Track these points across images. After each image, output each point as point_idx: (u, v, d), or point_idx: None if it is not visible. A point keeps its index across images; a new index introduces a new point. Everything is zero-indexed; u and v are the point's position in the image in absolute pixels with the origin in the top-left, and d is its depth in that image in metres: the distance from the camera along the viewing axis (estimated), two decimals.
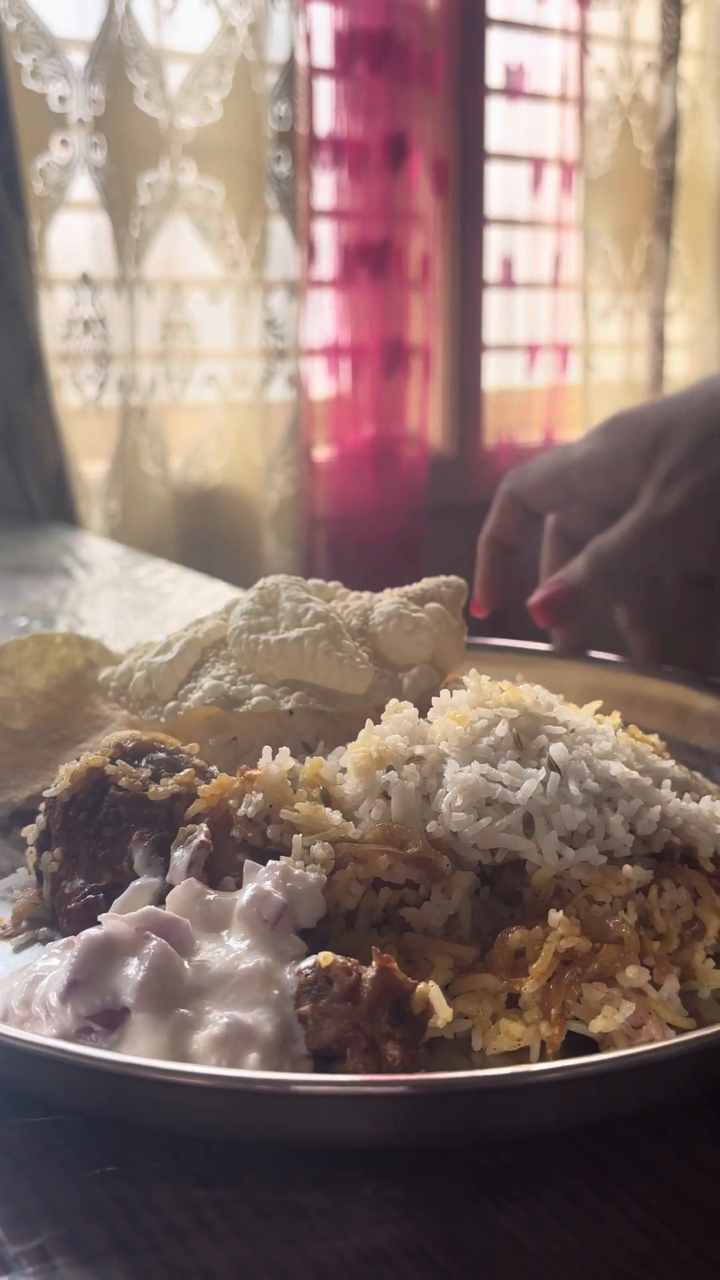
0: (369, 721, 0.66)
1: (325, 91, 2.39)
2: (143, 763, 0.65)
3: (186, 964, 0.52)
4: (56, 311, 2.06)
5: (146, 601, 1.47)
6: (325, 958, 0.51)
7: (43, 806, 0.66)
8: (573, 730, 0.64)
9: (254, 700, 0.74)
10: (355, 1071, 0.49)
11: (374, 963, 0.50)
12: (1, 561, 1.68)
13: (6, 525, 1.94)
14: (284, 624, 0.78)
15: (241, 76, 2.17)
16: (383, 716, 0.67)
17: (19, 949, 0.63)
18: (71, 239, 2.06)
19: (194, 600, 1.46)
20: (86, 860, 0.62)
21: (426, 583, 0.86)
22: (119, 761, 0.65)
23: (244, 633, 0.77)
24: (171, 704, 0.76)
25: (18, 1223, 0.45)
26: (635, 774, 0.62)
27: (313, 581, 0.84)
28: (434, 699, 0.68)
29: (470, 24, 2.64)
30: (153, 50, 2.08)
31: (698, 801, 0.65)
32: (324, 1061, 0.50)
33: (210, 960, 0.53)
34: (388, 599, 0.83)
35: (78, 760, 0.66)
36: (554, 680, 0.81)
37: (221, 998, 0.51)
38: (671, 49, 2.88)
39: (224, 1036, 0.49)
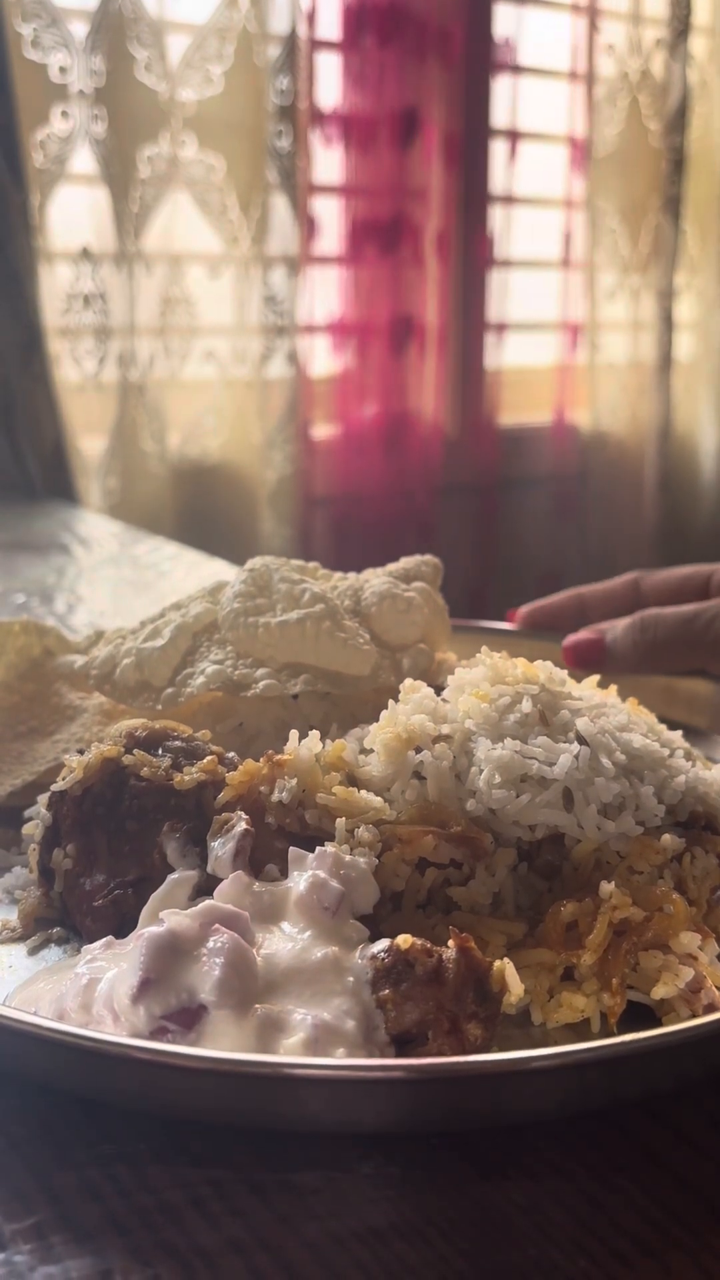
0: (391, 702, 0.66)
1: (332, 65, 2.36)
2: (160, 751, 0.63)
3: (257, 957, 0.51)
4: (56, 286, 2.04)
5: (145, 579, 1.46)
6: (404, 940, 0.50)
7: (46, 801, 0.63)
8: (591, 705, 0.64)
9: (261, 685, 0.72)
10: (439, 1054, 0.48)
11: (452, 942, 0.50)
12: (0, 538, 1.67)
13: (5, 501, 1.93)
14: (280, 606, 0.76)
15: (243, 49, 2.15)
16: (401, 696, 0.66)
17: (33, 951, 0.60)
18: (71, 212, 2.04)
19: (193, 578, 1.45)
20: (107, 855, 0.60)
21: (406, 562, 0.85)
22: (136, 751, 0.62)
23: (240, 616, 0.75)
24: (169, 690, 0.74)
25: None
26: (656, 745, 0.63)
27: (294, 562, 0.82)
28: (450, 677, 0.67)
29: None
30: (153, 21, 2.05)
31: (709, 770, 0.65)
32: (402, 1046, 0.49)
33: (276, 952, 0.52)
34: (376, 579, 0.82)
35: (80, 753, 0.64)
36: (529, 658, 0.80)
37: (299, 992, 0.50)
38: (681, 26, 2.84)
39: (312, 1039, 0.48)
